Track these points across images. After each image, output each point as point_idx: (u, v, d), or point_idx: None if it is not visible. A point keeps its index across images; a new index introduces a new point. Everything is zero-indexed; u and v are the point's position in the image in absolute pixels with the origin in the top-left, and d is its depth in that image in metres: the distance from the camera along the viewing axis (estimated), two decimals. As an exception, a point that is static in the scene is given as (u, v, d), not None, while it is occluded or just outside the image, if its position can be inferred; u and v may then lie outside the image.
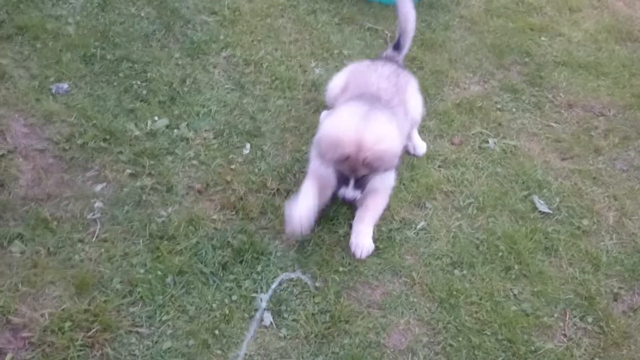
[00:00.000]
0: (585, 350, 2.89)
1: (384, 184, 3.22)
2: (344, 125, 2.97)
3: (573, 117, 4.26)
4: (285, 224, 3.02)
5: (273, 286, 2.88)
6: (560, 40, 5.05)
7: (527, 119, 4.18)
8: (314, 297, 2.89)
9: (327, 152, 2.95)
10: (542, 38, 5.03)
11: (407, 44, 3.76)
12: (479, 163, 3.77)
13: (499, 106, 4.25)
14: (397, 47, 3.74)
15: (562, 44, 5.00)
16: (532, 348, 2.84)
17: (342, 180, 3.01)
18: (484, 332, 2.87)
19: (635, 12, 5.65)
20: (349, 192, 3.00)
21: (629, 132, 4.17)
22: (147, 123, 3.62)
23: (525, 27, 5.10)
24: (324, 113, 3.77)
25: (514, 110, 4.24)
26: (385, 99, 3.31)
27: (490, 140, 3.94)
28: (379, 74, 3.45)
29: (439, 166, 3.71)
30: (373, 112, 3.05)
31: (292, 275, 2.96)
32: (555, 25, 5.22)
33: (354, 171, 2.96)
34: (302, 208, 2.97)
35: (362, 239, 3.05)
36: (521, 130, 4.08)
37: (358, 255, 3.03)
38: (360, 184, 3.02)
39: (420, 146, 3.76)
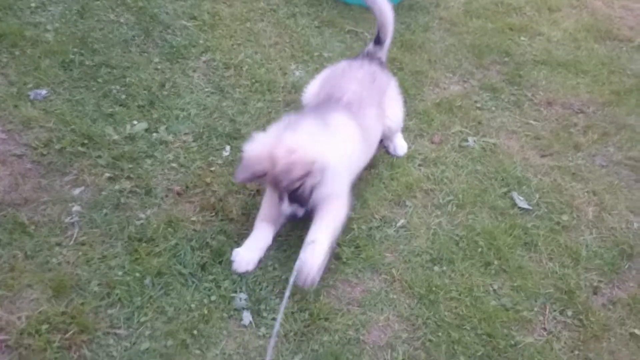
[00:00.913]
0: (565, 343, 2.90)
1: (335, 199, 3.03)
2: (257, 145, 2.91)
3: (552, 115, 4.29)
4: (232, 265, 2.96)
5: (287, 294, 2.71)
6: (540, 40, 5.09)
7: (506, 117, 4.20)
8: (293, 295, 2.87)
9: (242, 174, 2.86)
10: (522, 38, 5.07)
11: (387, 37, 3.73)
12: (458, 161, 3.79)
13: (478, 105, 4.28)
14: (378, 41, 3.72)
15: (542, 43, 5.04)
16: (512, 342, 2.85)
17: (279, 197, 2.95)
18: (464, 327, 2.87)
19: (613, 12, 5.71)
20: (286, 208, 2.92)
21: (608, 129, 4.20)
22: (125, 127, 3.61)
23: (504, 28, 5.14)
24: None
25: (493, 109, 4.27)
26: (348, 100, 3.28)
27: (470, 139, 3.96)
28: (351, 77, 3.45)
29: (419, 165, 3.73)
30: (294, 122, 2.99)
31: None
32: (535, 25, 5.27)
33: (276, 186, 2.86)
34: (251, 252, 2.98)
35: (309, 257, 2.78)
36: (500, 128, 4.11)
37: (301, 282, 2.76)
38: (295, 197, 2.89)
39: (401, 147, 3.78)
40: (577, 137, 4.09)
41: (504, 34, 5.07)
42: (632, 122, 4.29)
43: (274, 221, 3.10)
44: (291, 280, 2.68)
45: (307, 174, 2.82)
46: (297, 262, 2.76)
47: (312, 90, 3.60)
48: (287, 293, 2.63)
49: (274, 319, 2.79)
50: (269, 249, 3.07)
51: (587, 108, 4.39)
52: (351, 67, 3.57)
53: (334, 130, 3.08)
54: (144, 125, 3.65)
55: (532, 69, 4.69)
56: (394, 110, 3.64)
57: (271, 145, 2.84)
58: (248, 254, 2.97)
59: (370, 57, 3.68)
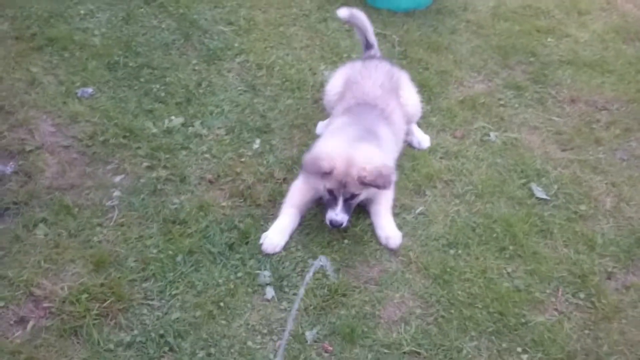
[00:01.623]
0: (576, 323, 2.99)
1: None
2: (334, 144, 3.25)
3: (575, 112, 4.38)
4: (261, 247, 3.18)
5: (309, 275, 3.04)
6: (567, 41, 5.18)
7: (529, 114, 4.32)
8: (313, 273, 3.06)
9: (314, 166, 3.15)
10: (549, 39, 5.17)
11: (373, 39, 4.07)
12: (479, 154, 3.92)
13: (502, 102, 4.40)
14: (369, 46, 4.04)
15: (569, 44, 5.13)
16: (523, 320, 2.96)
17: (330, 203, 3.20)
18: (476, 306, 3.00)
19: (645, 13, 5.74)
20: (337, 214, 3.16)
21: (631, 124, 4.27)
22: (164, 122, 3.88)
23: (531, 30, 5.25)
24: (320, 124, 3.97)
25: (516, 105, 4.39)
26: (381, 107, 3.59)
27: (492, 134, 4.09)
28: (373, 81, 3.70)
29: (441, 157, 3.88)
30: (362, 138, 3.29)
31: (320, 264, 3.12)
32: (563, 27, 5.35)
33: (343, 186, 3.14)
34: (278, 235, 3.21)
35: (389, 231, 3.27)
36: (523, 124, 4.22)
37: (392, 246, 3.23)
38: (348, 206, 3.20)
39: (424, 139, 3.95)
40: (599, 133, 4.17)
41: (530, 35, 5.17)
42: (656, 118, 4.34)
43: (301, 208, 3.33)
44: (315, 266, 3.01)
45: (386, 182, 3.16)
46: (382, 240, 3.26)
47: (334, 89, 3.84)
48: (309, 275, 2.93)
49: (295, 294, 2.97)
50: (294, 232, 3.26)
51: (611, 105, 4.46)
52: (368, 69, 3.80)
53: (385, 145, 3.43)
54: (180, 120, 3.91)
55: (558, 69, 4.78)
56: (411, 98, 3.87)
57: (347, 149, 3.17)
58: (276, 237, 3.19)
59: (372, 58, 3.95)
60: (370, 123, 3.47)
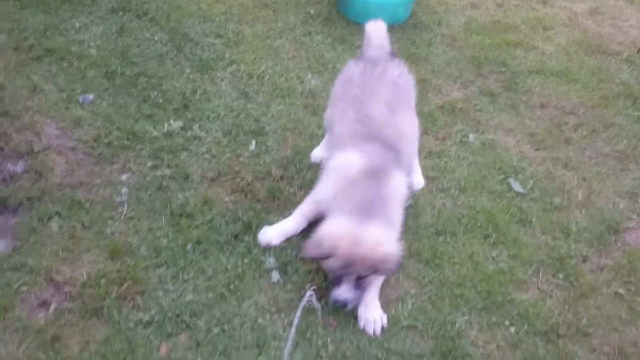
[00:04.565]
0: (557, 300, 3.28)
1: None
2: (337, 225, 2.94)
3: (546, 115, 4.73)
4: (259, 237, 3.37)
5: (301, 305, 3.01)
6: (534, 53, 5.55)
7: (503, 118, 4.64)
8: (312, 260, 3.27)
9: (311, 251, 2.93)
10: (517, 51, 5.53)
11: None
12: (460, 154, 4.22)
13: (478, 107, 4.72)
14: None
15: (536, 56, 5.50)
16: (509, 298, 3.24)
17: (334, 281, 2.97)
18: (465, 286, 3.27)
19: (603, 29, 6.16)
20: (343, 294, 2.92)
21: (597, 126, 4.63)
22: (164, 125, 4.08)
23: (501, 43, 5.61)
24: (315, 151, 3.96)
25: (491, 110, 4.71)
26: (395, 147, 3.20)
27: (471, 135, 4.40)
28: (377, 100, 3.29)
29: (425, 157, 4.15)
30: (369, 208, 2.97)
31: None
32: (530, 41, 5.73)
33: (347, 268, 2.88)
34: (275, 233, 3.36)
35: (372, 313, 3.02)
36: (498, 126, 4.55)
37: (371, 332, 2.99)
38: (360, 284, 2.94)
39: (420, 182, 3.86)
40: (568, 134, 4.52)
41: (501, 48, 5.53)
42: (620, 121, 4.72)
43: (309, 218, 3.39)
44: (301, 304, 3.00)
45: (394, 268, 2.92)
46: (361, 322, 3.03)
47: (335, 110, 3.53)
48: (297, 316, 2.94)
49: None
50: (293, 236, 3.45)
51: (577, 110, 4.82)
52: (371, 81, 3.38)
53: (396, 205, 3.12)
54: (179, 123, 4.12)
55: (527, 77, 5.14)
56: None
57: (353, 230, 2.87)
58: (272, 235, 3.36)
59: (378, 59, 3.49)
60: (381, 165, 3.10)
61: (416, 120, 3.57)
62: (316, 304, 3.01)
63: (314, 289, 3.05)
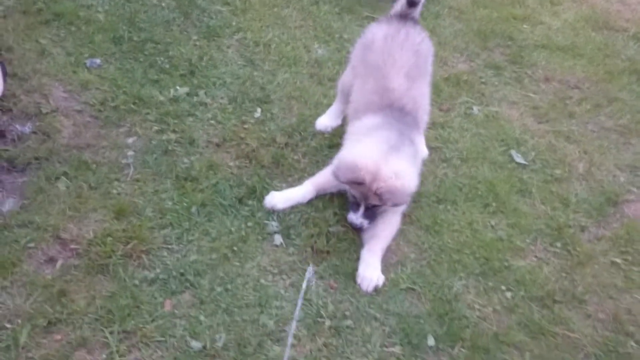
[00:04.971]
0: (553, 268, 3.34)
1: (395, 215, 3.31)
2: (366, 153, 3.08)
3: (550, 89, 4.74)
4: (265, 200, 3.41)
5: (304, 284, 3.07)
6: (541, 28, 5.55)
7: (508, 91, 4.67)
8: (314, 225, 3.34)
9: (343, 173, 3.08)
10: (524, 26, 5.53)
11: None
12: (464, 125, 4.25)
13: (483, 80, 4.74)
14: (412, 3, 3.53)
15: (543, 31, 5.50)
16: (506, 264, 3.30)
17: (354, 206, 3.19)
18: (464, 252, 3.33)
19: (611, 6, 6.15)
20: (357, 218, 3.15)
21: (601, 101, 4.65)
22: (170, 91, 4.11)
23: (508, 17, 5.61)
24: (320, 119, 3.98)
25: (496, 83, 4.73)
26: (412, 114, 3.32)
27: (475, 107, 4.43)
28: (397, 69, 3.31)
29: (429, 128, 4.16)
30: (397, 149, 3.11)
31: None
32: (537, 15, 5.72)
33: (365, 198, 3.11)
34: (282, 198, 3.38)
35: (371, 272, 3.09)
36: (502, 99, 4.57)
37: (365, 288, 3.07)
38: (370, 213, 3.15)
39: (424, 152, 3.77)
40: (571, 108, 4.55)
41: (507, 22, 5.53)
42: (623, 96, 4.74)
43: (319, 190, 3.45)
44: (304, 284, 3.05)
45: (398, 202, 3.10)
46: (358, 279, 3.10)
47: (354, 76, 3.59)
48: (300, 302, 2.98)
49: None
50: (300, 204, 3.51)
51: (582, 84, 4.84)
52: (393, 47, 3.38)
53: (417, 156, 3.31)
54: (185, 89, 4.16)
55: (533, 52, 5.15)
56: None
57: (377, 162, 3.03)
58: (280, 199, 3.39)
59: (404, 17, 3.51)
60: (403, 127, 3.26)
61: (429, 89, 3.63)
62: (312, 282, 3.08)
63: (314, 269, 3.13)
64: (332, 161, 3.41)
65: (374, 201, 3.09)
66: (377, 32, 3.49)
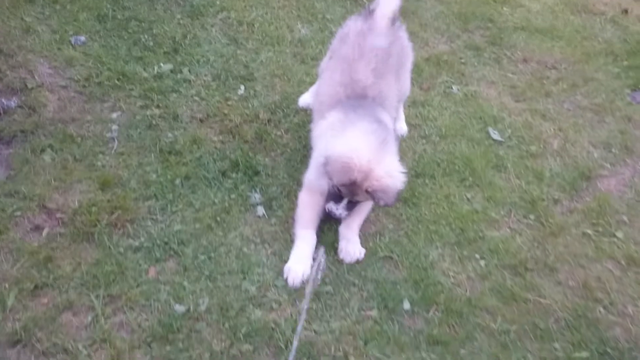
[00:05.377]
0: (526, 238, 3.45)
1: None
2: (358, 152, 2.97)
3: (528, 69, 4.85)
4: (287, 281, 3.07)
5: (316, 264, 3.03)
6: (521, 10, 5.64)
7: (487, 71, 4.77)
8: (296, 197, 3.41)
9: (335, 174, 2.99)
10: (504, 8, 5.62)
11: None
12: (443, 104, 4.35)
13: (462, 61, 4.84)
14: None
15: (522, 13, 5.59)
16: (481, 235, 3.41)
17: (336, 197, 3.10)
18: (440, 223, 3.44)
19: (590, -10, 6.25)
20: (339, 209, 3.09)
21: (577, 81, 4.77)
22: (154, 68, 4.17)
23: (488, 0, 5.70)
24: (303, 97, 4.07)
25: (475, 64, 4.83)
26: (372, 96, 3.30)
27: (454, 87, 4.53)
28: (365, 64, 3.33)
29: (409, 106, 4.27)
30: (386, 143, 3.07)
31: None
32: (517, -1, 5.83)
33: (352, 195, 3.05)
34: (300, 266, 3.08)
35: (352, 247, 3.18)
36: (481, 79, 4.67)
37: (348, 261, 3.16)
38: (352, 205, 3.13)
39: (402, 128, 3.99)
40: (548, 87, 4.66)
41: (488, 4, 5.62)
42: (599, 76, 4.86)
43: (314, 225, 3.23)
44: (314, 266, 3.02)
45: (388, 201, 3.03)
46: (340, 254, 3.17)
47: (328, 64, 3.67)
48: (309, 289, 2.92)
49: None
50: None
51: (559, 65, 4.95)
52: (364, 44, 3.40)
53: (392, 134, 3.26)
54: (169, 66, 4.21)
55: (512, 33, 5.24)
56: (407, 78, 3.74)
57: (369, 160, 2.95)
58: (300, 267, 3.08)
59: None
60: (371, 112, 3.23)
61: (407, 83, 3.72)
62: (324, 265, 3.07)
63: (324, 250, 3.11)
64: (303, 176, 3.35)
65: (362, 198, 3.08)
66: (353, 26, 3.52)
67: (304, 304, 2.82)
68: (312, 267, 3.04)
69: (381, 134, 3.08)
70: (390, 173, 2.99)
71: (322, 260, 3.02)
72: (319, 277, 2.99)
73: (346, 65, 3.36)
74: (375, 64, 3.33)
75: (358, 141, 3.02)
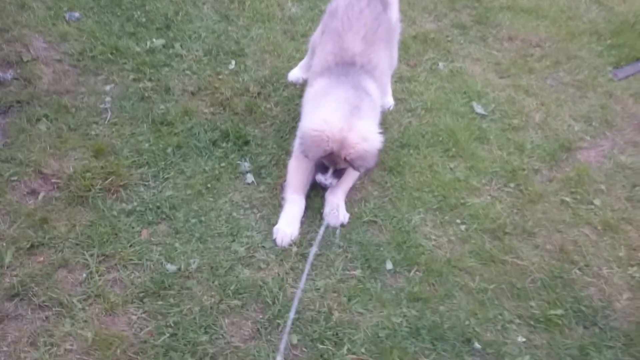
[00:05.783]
0: (506, 205, 3.58)
1: None
2: (328, 121, 3.07)
3: (512, 47, 4.97)
4: (275, 241, 3.19)
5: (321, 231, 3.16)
6: (507, -9, 5.75)
7: (472, 49, 4.88)
8: (284, 165, 3.53)
9: (310, 149, 3.10)
10: (491, -12, 5.73)
11: None
12: (429, 79, 4.46)
13: (449, 39, 4.95)
14: None
15: (509, -7, 5.70)
16: (462, 201, 3.53)
17: (322, 168, 3.24)
18: (423, 190, 3.56)
19: (577, -29, 6.36)
20: (327, 179, 3.23)
21: (561, 58, 4.88)
22: (146, 43, 4.28)
23: (476, -20, 5.80)
24: (292, 72, 4.20)
25: (462, 41, 4.94)
26: (361, 64, 3.39)
27: (440, 63, 4.64)
28: (354, 33, 3.42)
29: (395, 81, 4.38)
30: (358, 107, 3.15)
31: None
32: (504, -21, 5.92)
33: (334, 164, 3.18)
34: (288, 228, 3.20)
35: (337, 211, 3.28)
36: (467, 56, 4.78)
37: (333, 224, 3.24)
38: (339, 173, 3.26)
39: (389, 102, 4.11)
40: (532, 64, 4.77)
41: (475, -15, 5.72)
42: (583, 54, 4.97)
43: (304, 190, 3.35)
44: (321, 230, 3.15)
45: (365, 166, 3.16)
46: (326, 218, 3.25)
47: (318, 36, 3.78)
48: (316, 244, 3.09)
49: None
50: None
51: (544, 43, 5.06)
52: (352, 14, 3.49)
53: (375, 102, 3.36)
54: (161, 41, 4.32)
55: (498, 13, 5.35)
56: (395, 50, 3.89)
57: (341, 129, 3.05)
58: (288, 229, 3.19)
59: None
60: (354, 79, 3.32)
61: (395, 55, 3.85)
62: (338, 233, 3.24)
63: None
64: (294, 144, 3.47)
65: (344, 165, 3.19)
66: (341, 1, 3.59)
67: (310, 258, 2.99)
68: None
69: (354, 101, 3.17)
70: (364, 136, 3.08)
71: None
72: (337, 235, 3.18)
73: (337, 36, 3.46)
74: (364, 33, 3.43)
75: (328, 112, 3.13)
